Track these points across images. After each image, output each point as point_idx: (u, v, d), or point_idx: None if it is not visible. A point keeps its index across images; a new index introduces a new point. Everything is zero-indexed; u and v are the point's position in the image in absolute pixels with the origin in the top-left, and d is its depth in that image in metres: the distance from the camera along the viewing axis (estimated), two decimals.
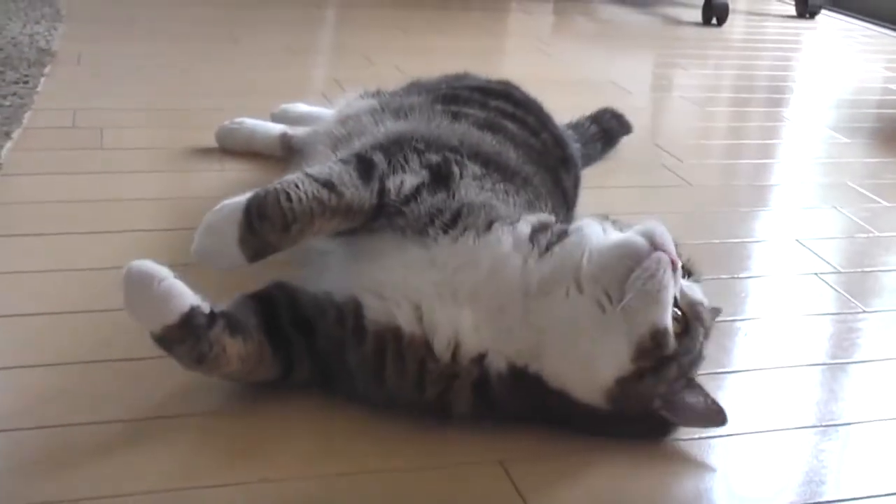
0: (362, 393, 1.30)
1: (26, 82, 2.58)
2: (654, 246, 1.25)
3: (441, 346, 1.26)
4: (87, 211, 1.88)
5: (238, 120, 2.26)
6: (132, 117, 2.45)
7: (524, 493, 1.18)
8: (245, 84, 2.82)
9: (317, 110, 2.32)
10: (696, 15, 4.41)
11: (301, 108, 2.35)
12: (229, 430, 1.27)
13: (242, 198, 1.39)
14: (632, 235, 1.28)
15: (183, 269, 1.65)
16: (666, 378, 1.24)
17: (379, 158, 1.42)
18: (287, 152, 2.14)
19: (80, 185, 2.00)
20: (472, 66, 2.09)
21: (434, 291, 1.28)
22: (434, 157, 1.45)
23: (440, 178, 1.40)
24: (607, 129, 2.39)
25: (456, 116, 1.69)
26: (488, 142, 1.62)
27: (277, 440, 1.26)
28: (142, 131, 2.36)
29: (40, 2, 3.57)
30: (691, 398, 1.28)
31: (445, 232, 1.31)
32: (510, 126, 1.74)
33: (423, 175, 1.40)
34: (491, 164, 1.51)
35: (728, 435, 1.33)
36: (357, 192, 1.36)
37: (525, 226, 1.33)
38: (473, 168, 1.46)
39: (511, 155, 1.62)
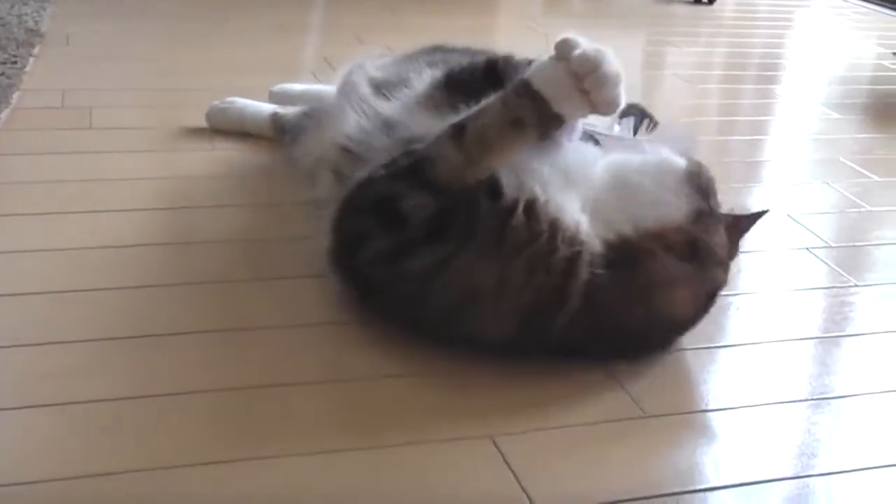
0: (451, 277, 1.33)
1: (14, 62, 2.57)
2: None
3: (570, 218, 1.32)
4: (76, 191, 1.87)
5: (228, 99, 2.25)
6: (121, 97, 2.44)
7: (514, 467, 1.17)
8: (235, 63, 2.81)
9: (315, 88, 2.31)
10: None
11: (299, 87, 2.34)
12: (230, 408, 1.27)
13: None
14: None
15: (174, 247, 1.67)
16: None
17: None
18: (278, 132, 2.13)
19: (69, 165, 1.99)
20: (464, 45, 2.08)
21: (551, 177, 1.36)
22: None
23: None
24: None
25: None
26: None
27: (264, 419, 1.25)
28: (131, 111, 2.35)
29: None
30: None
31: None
32: None
33: None
34: None
35: (719, 409, 1.33)
36: None
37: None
38: None
39: None
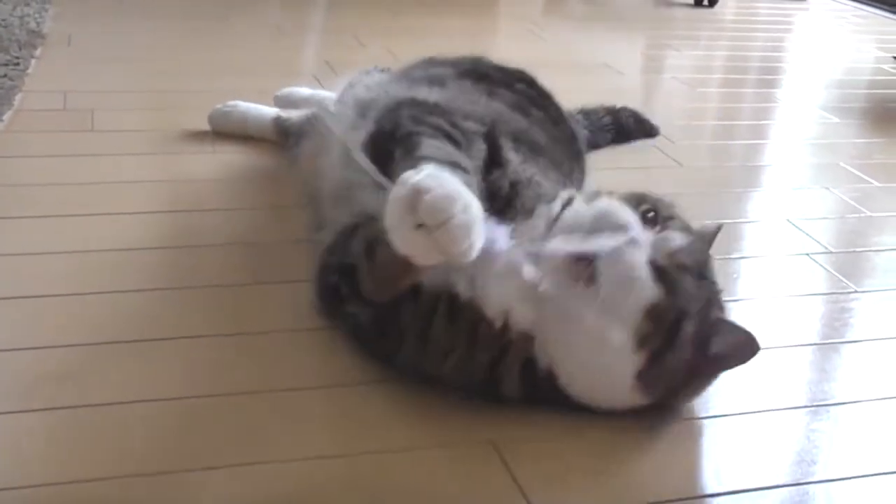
0: (408, 356, 1.29)
1: (17, 64, 2.58)
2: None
3: (493, 312, 1.24)
4: (78, 193, 1.87)
5: (231, 103, 2.25)
6: (122, 99, 2.44)
7: (515, 473, 1.17)
8: (236, 65, 2.82)
9: (320, 93, 2.31)
10: None
11: (304, 91, 2.34)
12: (233, 412, 1.27)
13: None
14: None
15: (176, 251, 1.68)
16: (684, 342, 1.22)
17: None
18: (281, 136, 2.13)
19: (71, 167, 1.99)
20: (463, 48, 2.07)
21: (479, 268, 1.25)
22: (480, 128, 1.44)
23: (493, 152, 1.39)
24: (621, 124, 2.39)
25: (490, 94, 1.70)
26: (519, 120, 1.63)
27: (265, 423, 1.25)
28: (132, 113, 2.35)
29: None
30: (718, 343, 1.26)
31: (499, 212, 1.28)
32: (534, 112, 1.75)
33: (483, 149, 1.39)
34: (524, 142, 1.51)
35: (718, 416, 1.34)
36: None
37: (558, 204, 1.30)
38: (507, 141, 1.45)
39: (540, 136, 1.62)
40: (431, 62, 1.97)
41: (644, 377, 1.22)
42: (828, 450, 1.30)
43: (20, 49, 2.71)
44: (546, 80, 1.99)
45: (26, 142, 2.12)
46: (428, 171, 1.15)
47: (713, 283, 1.30)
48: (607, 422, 1.27)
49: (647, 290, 1.21)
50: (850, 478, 1.23)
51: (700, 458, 1.27)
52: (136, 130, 2.24)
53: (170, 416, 1.25)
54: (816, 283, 1.77)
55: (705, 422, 1.33)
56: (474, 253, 1.14)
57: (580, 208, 1.28)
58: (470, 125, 1.43)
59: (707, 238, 1.37)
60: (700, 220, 1.93)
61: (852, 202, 2.14)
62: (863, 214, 2.09)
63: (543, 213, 1.29)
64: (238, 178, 2.01)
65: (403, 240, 1.14)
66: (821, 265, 1.83)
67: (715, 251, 1.80)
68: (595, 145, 2.25)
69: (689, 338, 1.22)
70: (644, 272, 1.21)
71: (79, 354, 1.36)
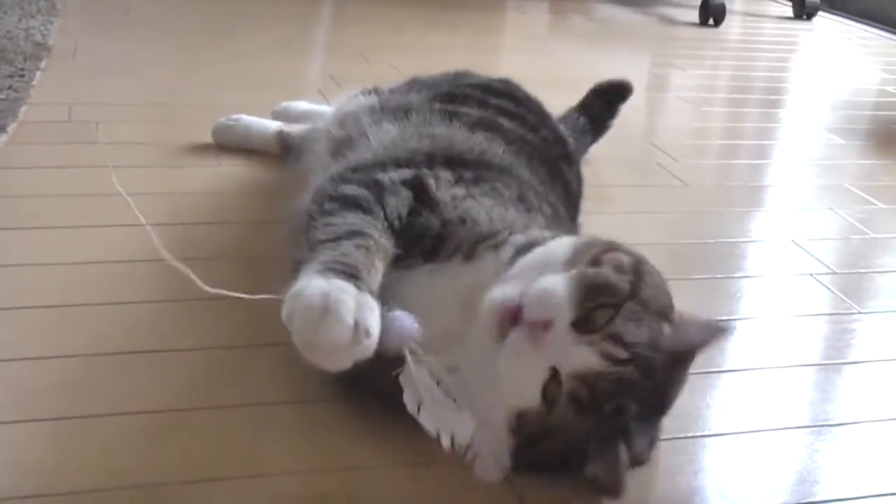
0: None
1: (22, 76, 2.58)
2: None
3: None
4: (80, 205, 1.87)
5: (234, 117, 2.25)
6: (127, 112, 2.44)
7: (520, 491, 1.17)
8: (241, 79, 2.82)
9: (318, 108, 2.31)
10: (693, 15, 4.40)
11: (302, 105, 2.35)
12: (237, 423, 1.27)
13: None
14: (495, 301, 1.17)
15: (186, 263, 1.66)
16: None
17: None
18: (283, 150, 2.14)
19: (75, 179, 1.99)
20: (467, 64, 2.08)
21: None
22: (406, 173, 1.42)
23: (421, 193, 1.37)
24: (594, 114, 2.31)
25: (452, 116, 1.68)
26: (475, 142, 1.59)
27: (261, 436, 1.25)
28: (137, 126, 2.35)
29: None
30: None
31: (427, 259, 1.28)
32: (507, 124, 1.73)
33: (407, 196, 1.37)
34: (471, 165, 1.48)
35: (721, 434, 1.34)
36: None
37: (509, 249, 1.27)
38: (446, 175, 1.42)
39: (498, 152, 1.59)
40: (412, 83, 1.98)
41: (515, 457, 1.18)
42: (829, 469, 1.29)
43: (25, 61, 2.71)
44: (550, 96, 2.00)
45: (30, 153, 2.12)
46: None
47: (617, 416, 1.15)
48: None
49: (515, 397, 1.15)
50: (852, 498, 1.23)
51: (702, 476, 1.26)
52: (140, 143, 2.24)
53: (167, 427, 1.25)
54: (820, 304, 1.77)
55: (707, 440, 1.32)
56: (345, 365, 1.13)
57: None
58: (395, 175, 1.41)
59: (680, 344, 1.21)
60: (704, 240, 1.97)
61: (857, 223, 2.14)
62: (867, 236, 2.08)
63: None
64: (240, 191, 2.01)
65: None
66: (824, 286, 1.82)
67: (718, 270, 1.83)
68: (582, 150, 2.22)
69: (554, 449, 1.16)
70: (522, 377, 1.14)
71: (76, 365, 1.36)
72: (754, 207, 2.26)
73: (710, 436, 1.33)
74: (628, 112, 2.46)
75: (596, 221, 1.68)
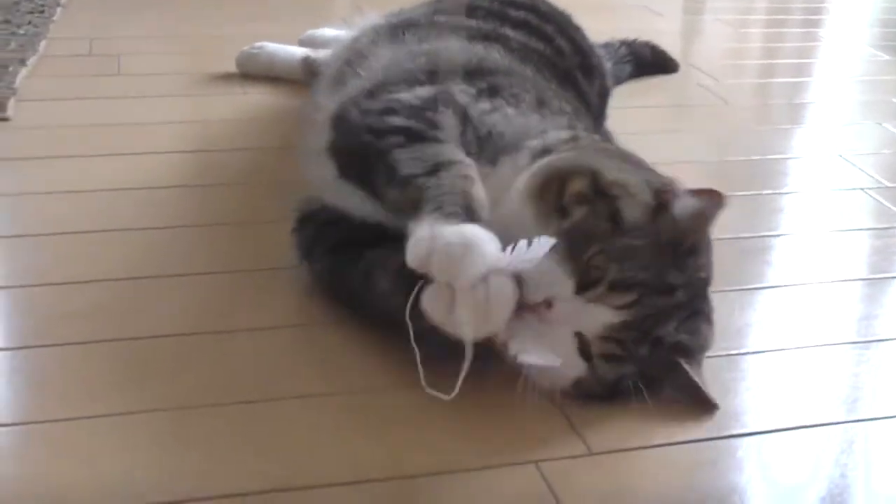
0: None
1: (42, 11, 2.53)
2: None
3: None
4: (105, 134, 1.84)
5: (258, 44, 2.21)
6: (150, 44, 2.40)
7: (559, 493, 1.06)
8: (265, 9, 2.76)
9: (344, 34, 2.26)
10: None
11: (328, 32, 2.29)
12: (265, 345, 1.24)
13: None
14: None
15: (202, 189, 1.63)
16: None
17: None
18: (310, 76, 2.08)
19: (98, 109, 1.96)
20: None
21: None
22: (430, 90, 1.38)
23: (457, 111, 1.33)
24: (639, 54, 2.32)
25: (452, 28, 1.65)
26: (473, 52, 1.56)
27: (283, 361, 1.22)
28: (160, 57, 2.31)
29: None
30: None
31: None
32: (512, 34, 1.68)
33: (446, 112, 1.32)
34: (477, 77, 1.44)
35: (765, 351, 1.29)
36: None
37: (525, 155, 1.25)
38: (467, 88, 1.39)
39: (496, 58, 1.56)
40: (430, 1, 1.90)
41: None
42: (875, 385, 1.24)
43: None
44: (583, 22, 1.92)
45: (53, 86, 2.08)
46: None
47: (660, 345, 1.13)
48: (652, 435, 1.15)
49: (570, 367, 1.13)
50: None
51: (751, 394, 1.21)
52: (164, 74, 2.19)
53: (192, 351, 1.22)
54: (868, 218, 1.71)
55: (749, 357, 1.28)
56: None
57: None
58: (422, 92, 1.38)
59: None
60: (748, 157, 1.91)
61: None
62: None
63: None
64: (266, 118, 1.97)
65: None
66: (874, 198, 1.76)
67: (762, 186, 1.77)
68: (616, 80, 2.16)
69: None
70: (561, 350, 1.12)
71: (105, 290, 1.34)
72: (798, 124, 2.20)
73: (752, 353, 1.28)
74: (665, 35, 2.42)
75: (638, 142, 1.60)
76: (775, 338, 1.32)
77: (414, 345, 1.11)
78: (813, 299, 1.44)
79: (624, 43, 2.31)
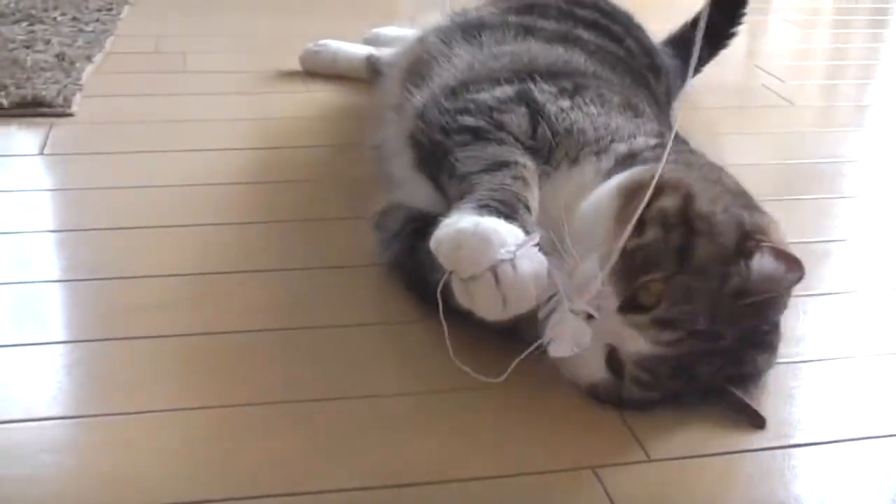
0: None
1: (110, 9, 2.56)
2: None
3: None
4: (170, 130, 1.86)
5: (322, 42, 2.22)
6: (216, 43, 2.41)
7: (614, 498, 1.05)
8: (332, 9, 2.77)
9: (410, 33, 2.26)
10: None
11: (393, 31, 2.30)
12: (337, 342, 1.24)
13: None
14: None
15: (265, 186, 1.65)
16: None
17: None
18: (373, 74, 2.09)
19: (163, 106, 1.98)
20: None
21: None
22: (509, 89, 1.39)
23: (533, 108, 1.34)
24: (711, 26, 2.18)
25: (527, 30, 1.65)
26: (557, 54, 1.56)
27: (347, 359, 1.22)
28: (226, 55, 2.33)
29: None
30: None
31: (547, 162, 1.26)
32: (586, 35, 1.68)
33: (522, 112, 1.34)
34: (564, 75, 1.44)
35: (822, 360, 1.28)
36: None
37: (610, 158, 1.24)
38: (549, 87, 1.39)
39: (580, 61, 1.55)
40: (494, 1, 1.91)
41: None
42: None
43: None
44: (644, 22, 1.92)
45: (119, 82, 2.10)
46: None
47: (693, 381, 1.11)
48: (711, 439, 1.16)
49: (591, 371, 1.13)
50: None
51: (806, 404, 1.19)
52: (230, 71, 2.21)
53: (255, 347, 1.23)
54: None
55: (808, 365, 1.26)
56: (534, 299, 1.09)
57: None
58: (499, 93, 1.39)
59: None
60: (811, 159, 1.89)
61: None
62: None
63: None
64: (329, 116, 1.98)
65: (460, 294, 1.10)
66: None
67: (825, 190, 1.75)
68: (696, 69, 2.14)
69: None
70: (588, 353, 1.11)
71: (176, 285, 1.35)
72: (861, 127, 2.18)
73: (816, 361, 1.27)
74: None
75: (702, 143, 1.59)
76: (835, 346, 1.31)
77: (443, 320, 1.11)
78: (874, 306, 1.42)
79: (691, 25, 2.14)
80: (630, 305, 1.09)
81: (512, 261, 1.07)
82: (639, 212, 1.09)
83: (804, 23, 3.04)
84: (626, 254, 1.09)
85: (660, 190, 1.11)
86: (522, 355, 1.11)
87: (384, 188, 1.49)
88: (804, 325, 1.35)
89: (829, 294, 1.44)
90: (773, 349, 1.16)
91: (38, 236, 1.48)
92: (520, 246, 1.09)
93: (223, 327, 1.25)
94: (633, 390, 1.11)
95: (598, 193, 1.18)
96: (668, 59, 1.96)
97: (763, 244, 1.09)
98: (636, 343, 1.08)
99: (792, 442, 1.12)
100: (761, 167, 1.85)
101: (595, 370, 1.12)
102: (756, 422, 1.12)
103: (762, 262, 1.09)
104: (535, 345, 1.11)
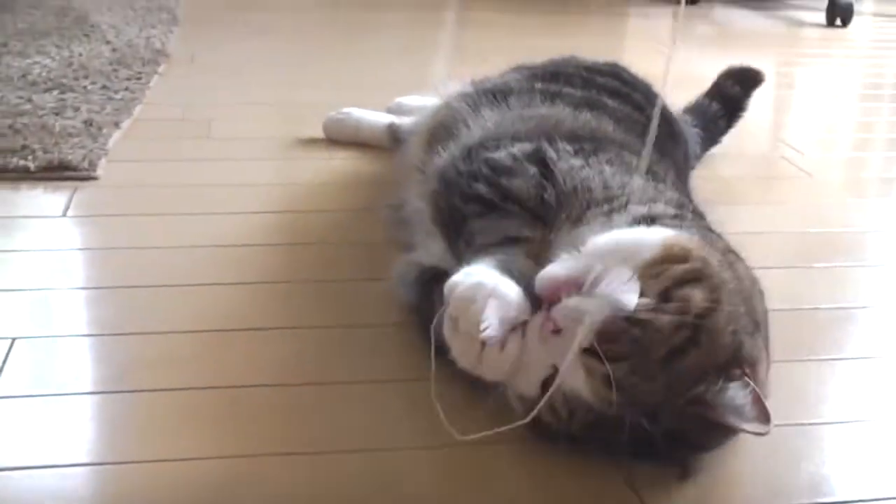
0: None
1: (139, 78, 2.60)
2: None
3: None
4: (193, 194, 1.89)
5: (345, 110, 2.25)
6: (242, 110, 2.45)
7: (640, 491, 1.09)
8: (356, 81, 2.82)
9: (431, 102, 2.29)
10: (820, 17, 4.28)
11: (416, 100, 2.32)
12: (314, 399, 1.25)
13: None
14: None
15: (283, 248, 1.66)
16: None
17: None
18: (394, 142, 2.12)
19: (187, 171, 2.01)
20: None
21: None
22: (527, 147, 1.42)
23: (543, 168, 1.36)
24: (726, 96, 2.26)
25: (555, 96, 1.67)
26: (584, 119, 1.58)
27: (353, 415, 1.23)
28: (250, 123, 2.36)
29: (158, 8, 3.60)
30: None
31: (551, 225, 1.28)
32: (611, 102, 1.70)
33: (533, 173, 1.35)
34: (589, 139, 1.47)
35: (841, 422, 1.27)
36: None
37: (626, 218, 1.23)
38: (566, 146, 1.40)
39: (608, 129, 1.57)
40: (516, 69, 1.96)
41: None
42: None
43: (143, 66, 2.74)
44: (670, 93, 1.92)
45: (145, 148, 2.14)
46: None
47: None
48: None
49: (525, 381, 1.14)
50: None
51: (826, 464, 1.19)
52: (253, 138, 2.24)
53: (266, 400, 1.25)
54: None
55: (826, 427, 1.26)
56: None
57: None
58: (516, 150, 1.41)
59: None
60: (830, 228, 1.89)
61: None
62: None
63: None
64: (350, 182, 2.01)
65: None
66: None
67: (843, 258, 1.75)
68: (711, 140, 2.19)
69: None
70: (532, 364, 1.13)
71: (179, 341, 1.37)
72: (882, 197, 2.18)
73: (834, 423, 1.26)
74: (752, 108, 2.40)
75: (722, 212, 1.60)
76: (854, 409, 1.30)
77: (432, 359, 1.14)
78: (889, 373, 1.42)
79: (710, 97, 2.26)
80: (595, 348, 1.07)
81: (505, 340, 1.12)
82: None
83: (827, 97, 3.06)
84: (618, 322, 1.07)
85: (697, 276, 1.10)
86: (505, 427, 1.10)
87: (402, 249, 1.51)
88: (827, 388, 1.35)
89: (852, 359, 1.44)
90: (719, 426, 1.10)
91: (61, 293, 1.51)
92: (516, 323, 1.12)
93: (232, 382, 1.28)
94: (545, 414, 1.09)
95: (643, 232, 1.18)
96: (686, 127, 1.99)
97: (749, 381, 1.06)
98: (576, 383, 1.07)
99: (811, 502, 1.11)
100: (780, 235, 1.86)
101: (532, 386, 1.11)
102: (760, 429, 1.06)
103: (737, 394, 1.06)
104: (517, 423, 1.10)
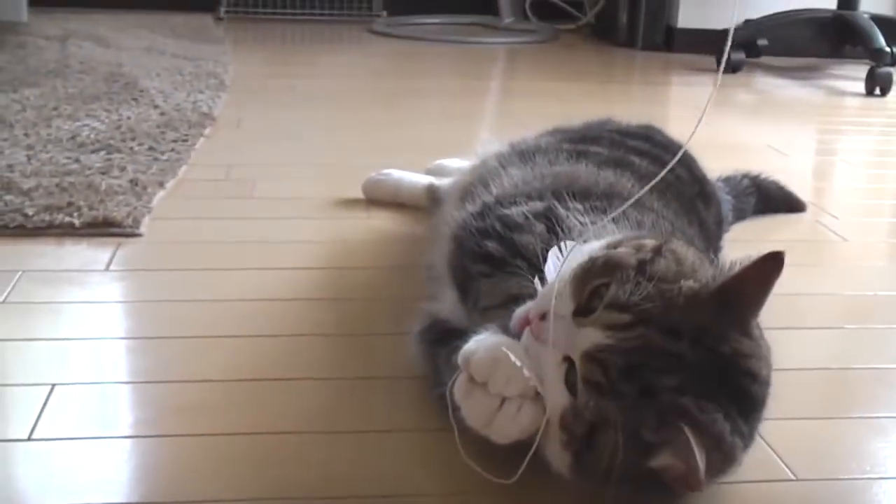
0: None
1: (185, 140, 2.66)
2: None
3: None
4: (234, 251, 1.94)
5: (385, 171, 2.29)
6: (285, 171, 2.50)
7: None
8: (397, 144, 2.86)
9: (471, 163, 2.32)
10: (859, 87, 4.29)
11: (456, 162, 2.35)
12: (361, 446, 1.28)
13: None
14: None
15: (322, 303, 1.70)
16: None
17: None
18: (433, 203, 2.15)
19: (230, 228, 2.06)
20: None
21: None
22: (538, 205, 1.45)
23: (550, 226, 1.39)
24: (764, 189, 2.34)
25: (581, 155, 1.70)
26: (602, 177, 1.60)
27: (410, 460, 1.26)
28: (293, 183, 2.40)
29: (206, 74, 3.67)
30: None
31: None
32: (638, 160, 1.73)
33: (541, 231, 1.39)
34: (600, 197, 1.50)
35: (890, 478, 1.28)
36: None
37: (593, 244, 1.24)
38: (576, 204, 1.44)
39: (627, 186, 1.59)
40: (552, 131, 1.99)
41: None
42: None
43: (190, 128, 2.80)
44: (709, 160, 1.96)
45: (188, 206, 2.18)
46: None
47: (650, 395, 1.06)
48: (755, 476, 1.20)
49: (554, 395, 1.13)
50: None
51: None
52: (295, 198, 2.28)
53: (296, 446, 1.28)
54: None
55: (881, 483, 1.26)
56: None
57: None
58: (527, 208, 1.45)
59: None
60: (862, 292, 1.90)
61: None
62: None
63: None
64: (389, 240, 2.04)
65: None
66: None
67: (879, 320, 1.76)
68: (740, 213, 2.23)
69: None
70: (548, 373, 1.14)
71: (213, 389, 1.41)
72: None
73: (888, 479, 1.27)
74: (788, 173, 2.43)
75: None
76: (885, 465, 1.30)
77: (452, 420, 1.17)
78: None
79: (746, 176, 2.33)
80: (586, 311, 1.11)
81: (521, 405, 1.13)
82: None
83: (865, 164, 3.08)
84: (582, 266, 1.14)
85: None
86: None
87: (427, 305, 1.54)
88: (873, 444, 1.36)
89: (886, 417, 1.45)
90: (737, 434, 1.07)
91: (100, 343, 1.55)
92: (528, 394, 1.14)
93: (268, 428, 1.31)
94: (586, 400, 1.08)
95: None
96: (721, 193, 2.01)
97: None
98: (590, 337, 1.09)
99: None
100: (817, 297, 1.87)
101: (556, 391, 1.12)
102: (686, 482, 1.04)
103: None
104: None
